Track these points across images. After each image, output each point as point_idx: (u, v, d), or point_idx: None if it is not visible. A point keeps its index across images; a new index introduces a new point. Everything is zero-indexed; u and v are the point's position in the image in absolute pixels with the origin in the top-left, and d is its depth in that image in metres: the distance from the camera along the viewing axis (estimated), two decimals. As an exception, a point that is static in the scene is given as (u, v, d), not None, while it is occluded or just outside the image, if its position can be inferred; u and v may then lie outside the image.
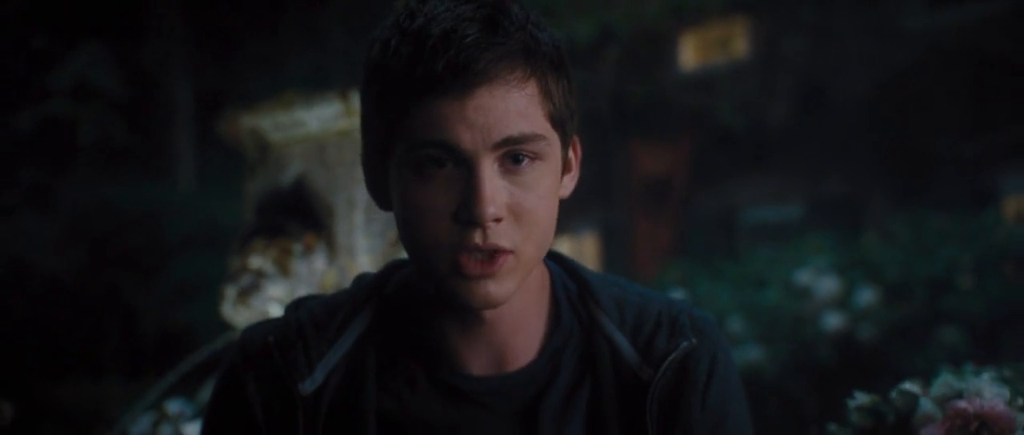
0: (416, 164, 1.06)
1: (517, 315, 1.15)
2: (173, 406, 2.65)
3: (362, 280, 1.24)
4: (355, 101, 2.52)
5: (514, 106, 1.05)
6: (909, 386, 1.62)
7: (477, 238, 1.05)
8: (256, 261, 2.49)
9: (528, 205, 1.07)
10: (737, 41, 10.21)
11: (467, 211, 1.04)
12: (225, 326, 2.88)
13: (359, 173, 2.52)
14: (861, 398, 1.66)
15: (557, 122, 1.09)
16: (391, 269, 1.24)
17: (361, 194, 2.56)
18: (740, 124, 9.64)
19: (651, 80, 9.61)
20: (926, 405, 1.56)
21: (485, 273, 1.06)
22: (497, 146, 1.05)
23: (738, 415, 1.19)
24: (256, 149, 2.70)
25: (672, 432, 1.16)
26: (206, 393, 2.76)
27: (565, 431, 1.15)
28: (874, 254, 7.00)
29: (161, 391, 2.65)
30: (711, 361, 1.18)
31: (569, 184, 1.17)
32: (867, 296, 6.43)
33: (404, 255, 2.59)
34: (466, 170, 1.05)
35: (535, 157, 1.07)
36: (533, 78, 1.06)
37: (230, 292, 2.51)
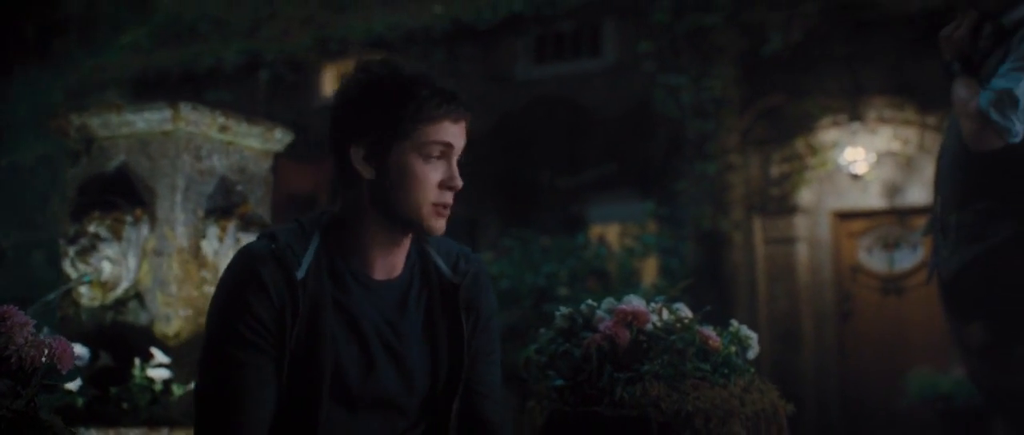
0: (424, 154, 1.85)
1: (405, 247, 2.00)
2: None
3: (307, 218, 2.01)
4: (182, 110, 3.09)
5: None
6: (590, 302, 2.68)
7: (448, 198, 1.87)
8: (93, 227, 2.99)
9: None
10: (375, 77, 10.81)
11: (451, 183, 1.86)
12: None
13: (181, 164, 3.16)
14: (563, 310, 2.71)
15: None
16: (321, 213, 2.01)
17: (181, 181, 3.11)
18: (375, 150, 10.30)
19: (297, 105, 10.03)
20: (600, 312, 2.63)
21: (444, 215, 1.89)
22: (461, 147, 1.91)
23: (496, 310, 2.14)
24: (80, 142, 3.17)
25: (470, 314, 2.01)
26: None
27: (419, 311, 2.00)
28: (491, 267, 8.14)
29: None
30: (486, 278, 2.11)
31: None
32: (485, 301, 7.44)
33: (213, 226, 3.43)
34: (448, 159, 1.87)
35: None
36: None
37: (70, 251, 3.00)
